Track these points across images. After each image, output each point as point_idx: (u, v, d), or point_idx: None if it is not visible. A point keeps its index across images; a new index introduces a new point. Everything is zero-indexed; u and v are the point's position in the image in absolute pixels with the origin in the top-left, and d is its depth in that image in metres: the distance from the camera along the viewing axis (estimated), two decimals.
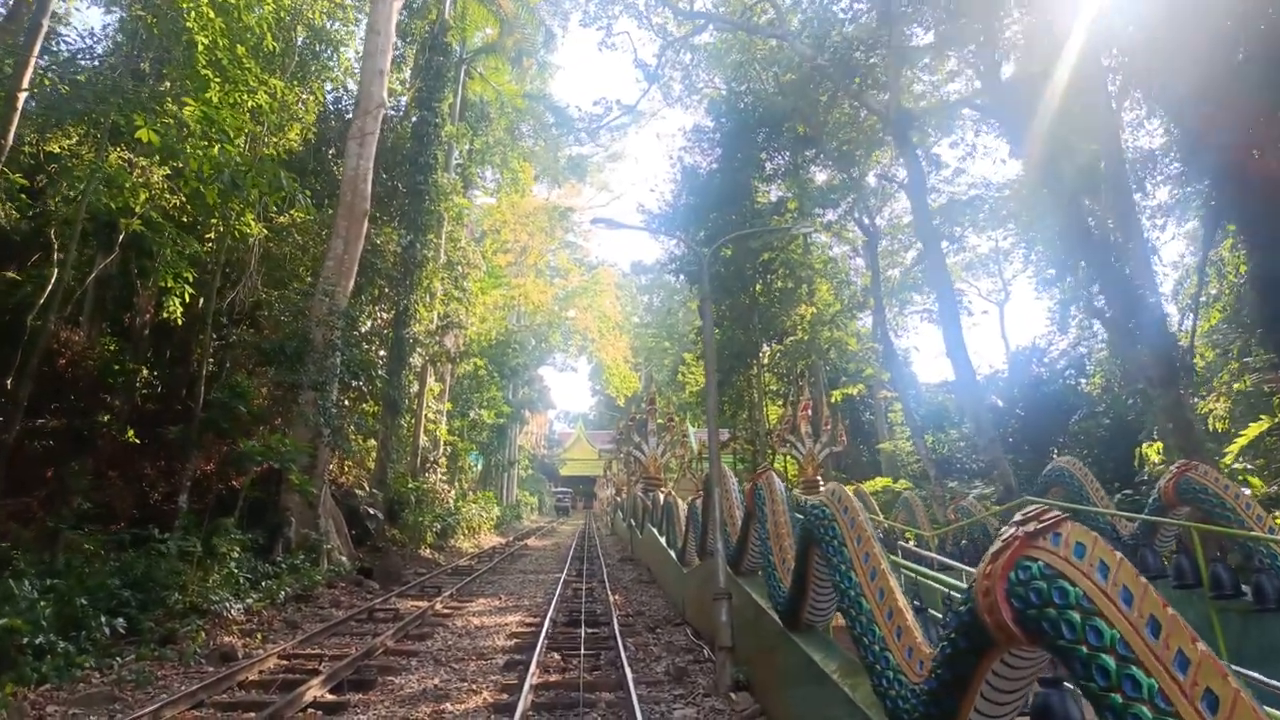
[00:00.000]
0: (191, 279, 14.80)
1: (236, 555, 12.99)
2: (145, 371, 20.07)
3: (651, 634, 12.18)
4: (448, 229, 28.86)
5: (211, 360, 19.67)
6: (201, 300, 17.98)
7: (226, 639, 10.20)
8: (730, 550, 8.82)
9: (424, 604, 14.16)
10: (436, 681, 8.70)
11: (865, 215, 23.57)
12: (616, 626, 11.73)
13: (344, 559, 17.07)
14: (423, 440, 28.16)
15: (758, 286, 32.19)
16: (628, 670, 8.69)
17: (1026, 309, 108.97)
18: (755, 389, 36.31)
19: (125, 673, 8.37)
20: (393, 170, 26.82)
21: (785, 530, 7.16)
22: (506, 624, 12.61)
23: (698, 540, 12.15)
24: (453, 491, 31.67)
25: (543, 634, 11.14)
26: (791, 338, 29.20)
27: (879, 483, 20.95)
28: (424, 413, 28.01)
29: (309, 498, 15.54)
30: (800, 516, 7.77)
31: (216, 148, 9.98)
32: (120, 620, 9.30)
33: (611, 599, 15.25)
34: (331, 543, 18.03)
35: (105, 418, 18.01)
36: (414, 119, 26.51)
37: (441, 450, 31.50)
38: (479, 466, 45.20)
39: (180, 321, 15.64)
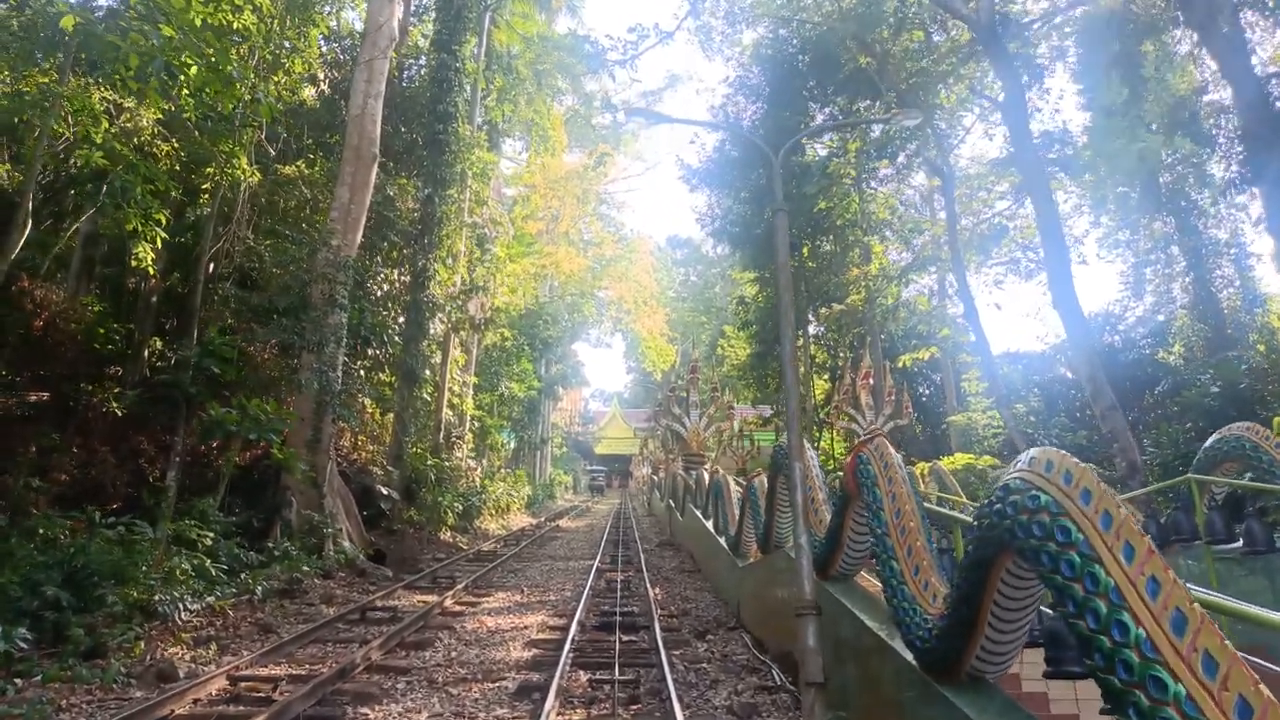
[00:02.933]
0: (165, 221, 12.77)
1: (210, 542, 11.03)
2: (159, 342, 18.29)
3: (702, 641, 9.96)
4: (473, 188, 26.66)
5: (219, 322, 17.80)
6: (212, 264, 16.10)
7: (172, 650, 8.18)
8: (816, 548, 6.51)
9: (431, 599, 12.09)
10: (424, 717, 6.56)
11: (939, 155, 20.77)
12: (659, 633, 9.52)
13: (347, 544, 15.10)
14: (447, 414, 26.14)
15: (805, 249, 29.59)
16: (677, 707, 6.47)
17: (1088, 278, 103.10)
18: (801, 361, 33.80)
19: (16, 704, 6.34)
20: (411, 122, 24.70)
21: (916, 524, 4.83)
22: (526, 627, 10.47)
23: (759, 529, 9.86)
24: (479, 469, 29.73)
25: (568, 643, 8.97)
26: (847, 300, 26.55)
27: (959, 459, 18.31)
28: (447, 385, 25.97)
29: (296, 473, 13.52)
30: (940, 508, 5.41)
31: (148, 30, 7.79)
32: (22, 630, 7.29)
33: (651, 593, 13.05)
34: (338, 525, 16.10)
35: (98, 387, 16.28)
36: (433, 63, 24.25)
37: (468, 426, 29.50)
38: (511, 444, 43.32)
39: (155, 273, 13.62)
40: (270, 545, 13.43)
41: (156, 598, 8.90)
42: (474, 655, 8.79)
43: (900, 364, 26.03)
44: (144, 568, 9.61)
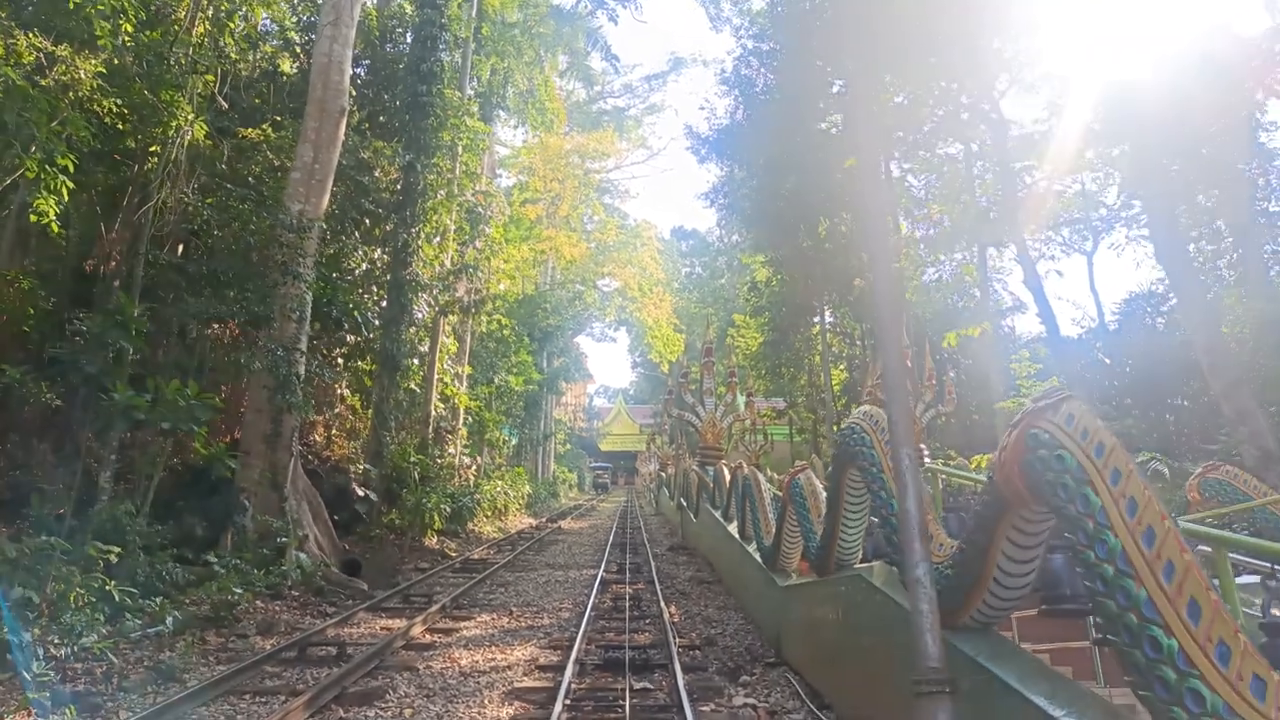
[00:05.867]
0: (72, 167, 10.53)
1: (118, 557, 8.81)
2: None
3: (735, 684, 7.69)
4: (463, 160, 24.40)
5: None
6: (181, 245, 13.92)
7: (12, 719, 5.94)
8: (939, 580, 4.21)
9: (396, 625, 9.86)
10: None
11: (988, 104, 18.40)
12: (680, 676, 7.28)
13: (305, 555, 12.85)
14: (437, 407, 23.89)
15: (821, 229, 27.28)
16: None
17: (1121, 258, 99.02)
18: (817, 350, 31.61)
19: None
20: (394, 87, 22.50)
21: (1189, 558, 2.56)
22: (509, 667, 8.21)
23: (810, 540, 7.57)
24: (474, 467, 27.49)
25: (561, 693, 6.75)
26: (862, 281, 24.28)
27: None
28: (437, 375, 23.70)
29: (226, 470, 11.28)
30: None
31: None
32: None
33: (666, 613, 10.83)
34: (302, 533, 13.90)
35: (27, 375, 14.14)
36: (415, 20, 22.03)
37: (461, 420, 27.23)
38: (513, 441, 41.07)
39: (65, 230, 11.34)
40: (211, 557, 11.25)
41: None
42: (435, 714, 6.54)
43: (946, 344, 23.59)
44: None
